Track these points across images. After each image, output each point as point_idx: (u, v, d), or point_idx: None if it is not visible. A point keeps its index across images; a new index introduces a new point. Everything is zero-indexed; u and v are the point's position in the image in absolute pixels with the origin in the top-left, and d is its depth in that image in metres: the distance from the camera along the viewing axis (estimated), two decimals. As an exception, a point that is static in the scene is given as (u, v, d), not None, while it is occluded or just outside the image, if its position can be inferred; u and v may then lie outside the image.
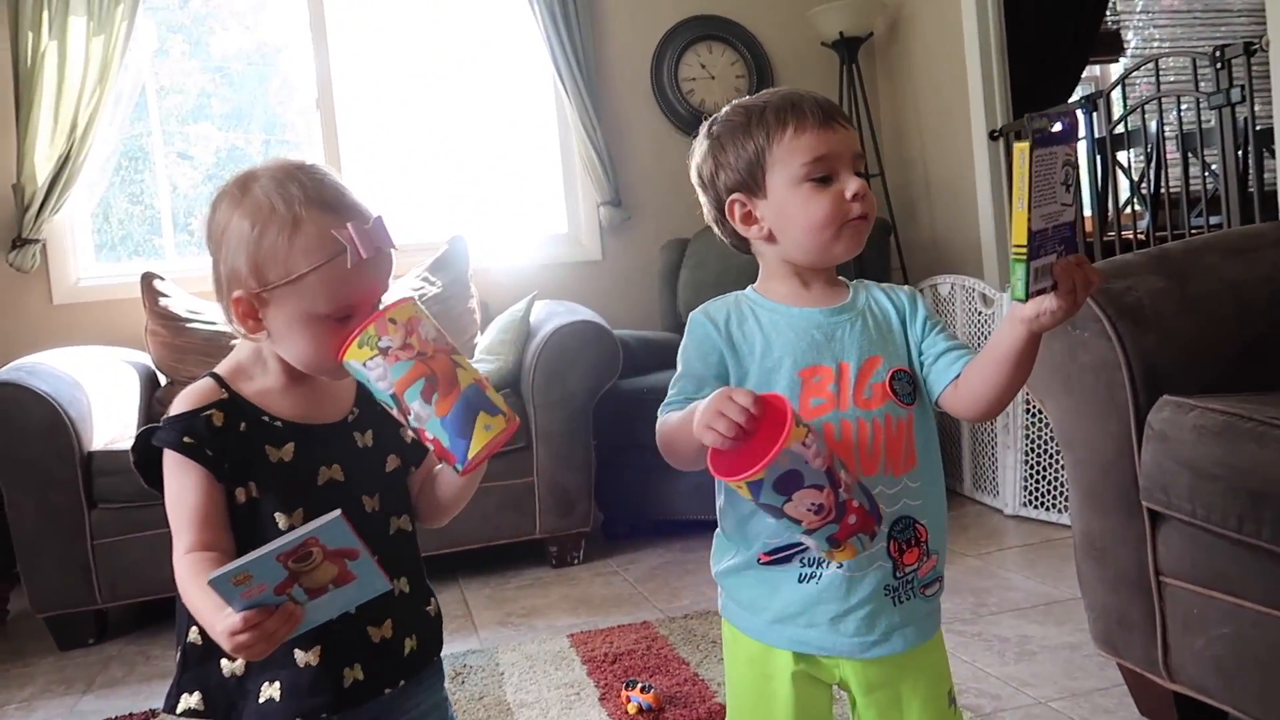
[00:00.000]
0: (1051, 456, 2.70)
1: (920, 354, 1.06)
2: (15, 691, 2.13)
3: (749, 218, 1.06)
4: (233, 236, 0.90)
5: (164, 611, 2.48)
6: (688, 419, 0.94)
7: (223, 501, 0.90)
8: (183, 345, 2.87)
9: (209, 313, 2.94)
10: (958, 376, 1.02)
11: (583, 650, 2.00)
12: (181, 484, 0.89)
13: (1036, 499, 2.74)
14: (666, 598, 2.32)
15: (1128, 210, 3.91)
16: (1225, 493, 1.23)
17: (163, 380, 2.92)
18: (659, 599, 2.33)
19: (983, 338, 2.92)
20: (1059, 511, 2.66)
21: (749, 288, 1.10)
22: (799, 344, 1.03)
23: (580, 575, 2.60)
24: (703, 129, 1.11)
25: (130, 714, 1.89)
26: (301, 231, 0.89)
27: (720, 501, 1.11)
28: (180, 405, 0.92)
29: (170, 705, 0.94)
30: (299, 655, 0.91)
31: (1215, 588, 1.30)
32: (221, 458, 0.89)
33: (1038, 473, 2.74)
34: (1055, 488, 2.69)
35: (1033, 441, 2.75)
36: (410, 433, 0.92)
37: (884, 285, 1.11)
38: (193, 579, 0.85)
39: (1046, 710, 1.58)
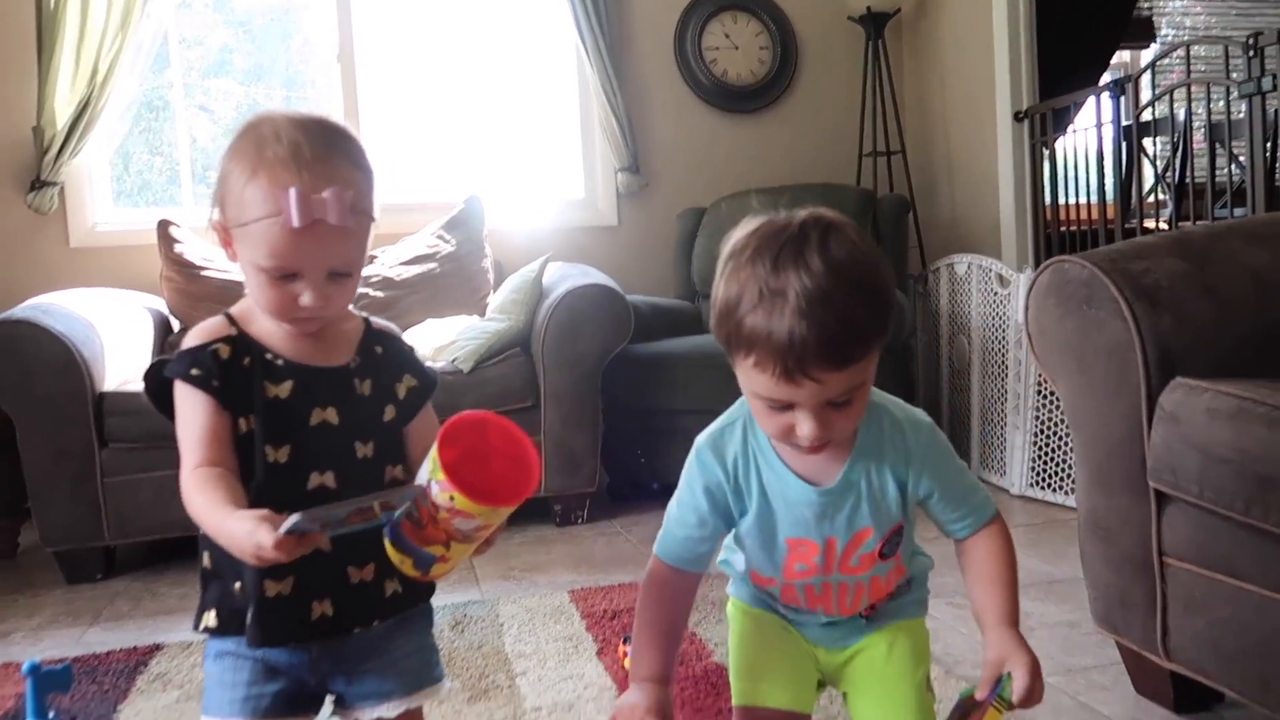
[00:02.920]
0: (1060, 439, 2.69)
1: (925, 499, 1.06)
2: (23, 620, 2.16)
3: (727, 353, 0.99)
4: (222, 163, 0.94)
5: (171, 551, 2.53)
6: (640, 650, 1.03)
7: (228, 426, 0.93)
8: (196, 292, 2.88)
9: (223, 261, 2.95)
10: (960, 541, 1.08)
11: (582, 606, 2.02)
12: (189, 410, 0.93)
13: (1043, 480, 2.74)
14: (668, 561, 2.34)
15: (1151, 199, 3.88)
16: (1234, 476, 1.22)
17: (175, 326, 2.94)
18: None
19: (998, 318, 2.91)
20: (1065, 493, 2.66)
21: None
22: (789, 516, 1.04)
23: (583, 534, 2.62)
24: (731, 243, 0.96)
25: (135, 647, 1.92)
26: (255, 180, 0.90)
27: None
28: (191, 339, 0.96)
29: (195, 624, 1.00)
30: (270, 585, 0.94)
31: (1218, 570, 1.30)
32: (228, 389, 0.93)
33: (1046, 454, 2.74)
34: (1063, 469, 2.69)
35: (1042, 423, 2.74)
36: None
37: (896, 441, 1.03)
38: (197, 490, 0.89)
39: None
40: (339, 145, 0.94)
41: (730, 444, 1.04)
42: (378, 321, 1.07)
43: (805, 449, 0.95)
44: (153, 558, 2.55)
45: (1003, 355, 2.89)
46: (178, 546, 2.45)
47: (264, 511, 0.82)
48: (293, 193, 0.88)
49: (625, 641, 1.74)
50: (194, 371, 0.92)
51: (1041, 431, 2.75)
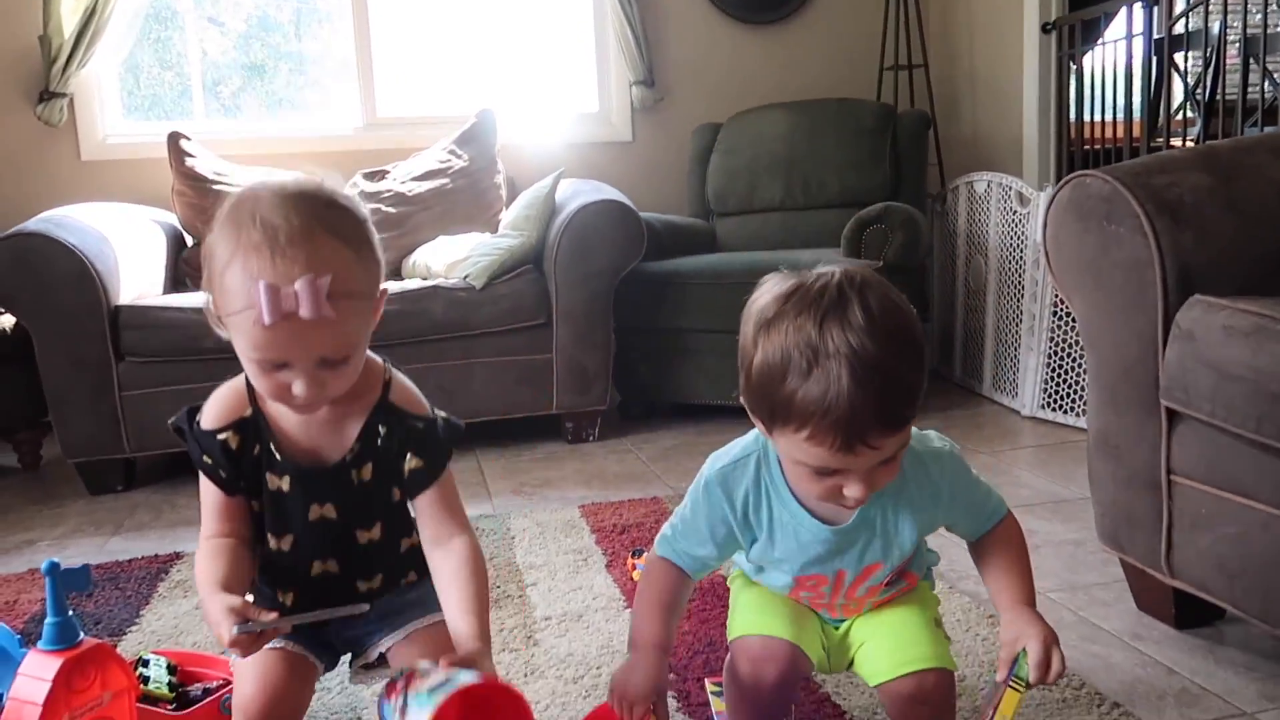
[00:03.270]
0: (1073, 360, 2.68)
1: (944, 522, 1.08)
2: (48, 529, 2.21)
3: (756, 419, 0.97)
4: (206, 242, 0.91)
5: (189, 464, 2.54)
6: (640, 619, 1.05)
7: (240, 503, 1.00)
8: (208, 207, 2.86)
9: (235, 175, 2.93)
10: (975, 540, 1.09)
11: (592, 520, 2.04)
12: (205, 487, 1.00)
13: (1055, 402, 2.74)
14: (678, 477, 2.36)
15: (1179, 117, 3.77)
16: (1247, 394, 1.21)
17: (189, 241, 2.93)
18: (670, 477, 2.37)
19: (1016, 238, 2.87)
20: (1076, 415, 2.66)
21: (773, 449, 1.02)
22: (801, 555, 1.04)
23: (594, 452, 2.64)
24: (759, 306, 0.93)
25: (156, 555, 1.97)
26: (230, 268, 0.87)
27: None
28: (211, 407, 0.99)
29: None
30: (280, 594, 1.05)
31: (1226, 488, 1.30)
32: (234, 478, 0.99)
33: (1058, 375, 2.73)
34: (1075, 391, 2.68)
35: (1056, 344, 2.73)
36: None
37: (918, 479, 1.02)
38: (201, 559, 0.96)
39: (1045, 600, 1.60)
40: (324, 221, 0.89)
41: (742, 480, 1.04)
42: (396, 389, 1.02)
43: (848, 506, 0.96)
44: (172, 471, 2.59)
45: (1019, 276, 2.85)
46: (196, 459, 2.49)
47: (238, 603, 0.88)
48: (262, 287, 0.84)
49: (634, 555, 1.77)
50: (205, 460, 0.98)
51: (1055, 353, 2.73)
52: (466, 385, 2.58)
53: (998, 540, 1.08)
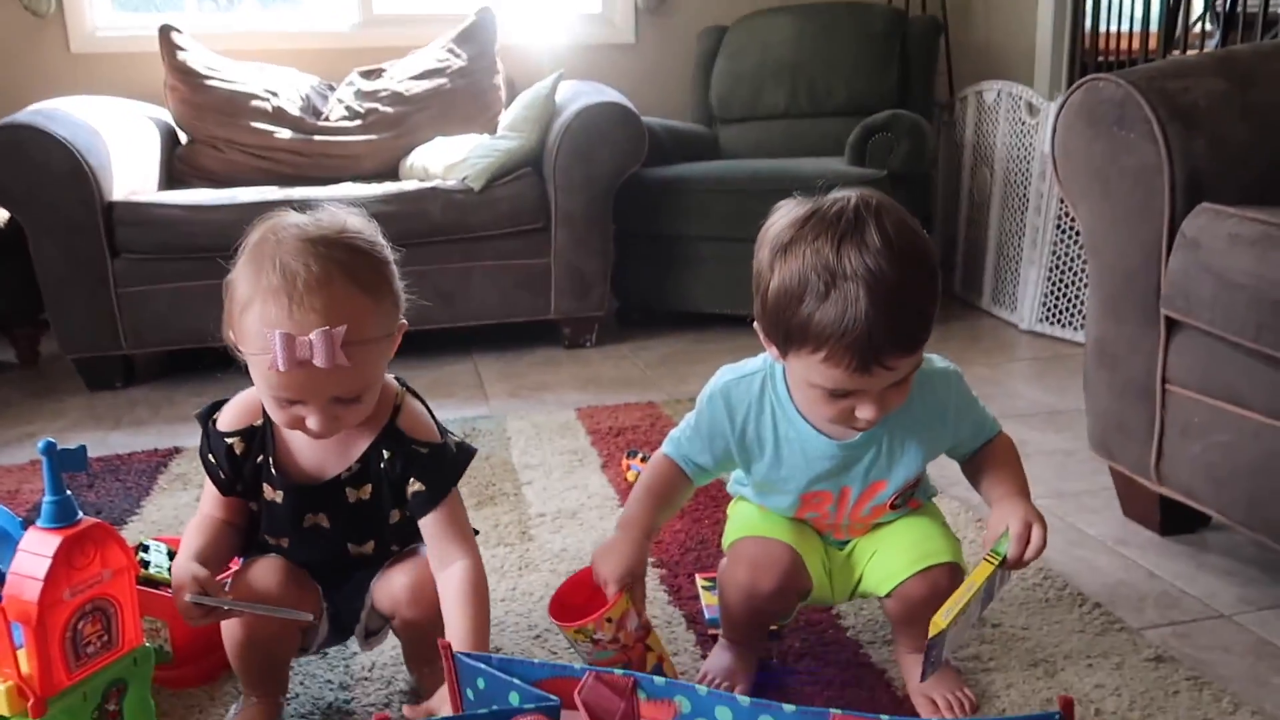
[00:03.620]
0: (1074, 274, 2.66)
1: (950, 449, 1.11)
2: (48, 423, 2.23)
3: (769, 343, 0.99)
4: (230, 276, 0.94)
5: (188, 361, 2.58)
6: (630, 503, 1.08)
7: (235, 502, 1.04)
8: (201, 103, 2.81)
9: (228, 70, 2.86)
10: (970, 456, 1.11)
11: (588, 423, 2.06)
12: (207, 484, 1.05)
13: (1054, 315, 2.73)
14: (674, 382, 2.37)
15: (1196, 29, 3.67)
16: (1249, 302, 1.20)
17: (183, 138, 2.88)
18: (667, 383, 2.38)
19: (1024, 149, 2.82)
20: (1074, 329, 2.66)
21: (780, 370, 1.03)
22: (807, 471, 1.05)
23: (591, 357, 2.65)
24: (774, 228, 0.95)
25: (156, 449, 1.99)
26: (249, 311, 0.90)
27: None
28: (230, 410, 1.03)
29: None
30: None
31: (1220, 397, 1.30)
32: (233, 481, 1.02)
33: (1058, 289, 2.72)
34: (1074, 305, 2.67)
35: (1058, 258, 2.71)
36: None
37: (924, 396, 1.02)
38: (188, 530, 1.03)
39: (1033, 507, 1.63)
40: (344, 268, 0.90)
41: (745, 397, 1.05)
42: (405, 415, 1.03)
43: (860, 427, 0.97)
44: (170, 368, 2.60)
45: (1024, 188, 2.82)
46: (194, 358, 2.50)
47: (203, 574, 0.94)
48: (277, 336, 0.87)
49: (629, 456, 1.79)
50: (210, 458, 1.02)
51: (1056, 267, 2.72)
52: (464, 289, 2.56)
53: (993, 451, 1.10)
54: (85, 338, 2.41)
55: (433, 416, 1.07)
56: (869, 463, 1.05)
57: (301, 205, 0.98)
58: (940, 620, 0.87)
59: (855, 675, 1.14)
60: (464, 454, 1.06)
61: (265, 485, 1.03)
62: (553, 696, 0.57)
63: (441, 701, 0.91)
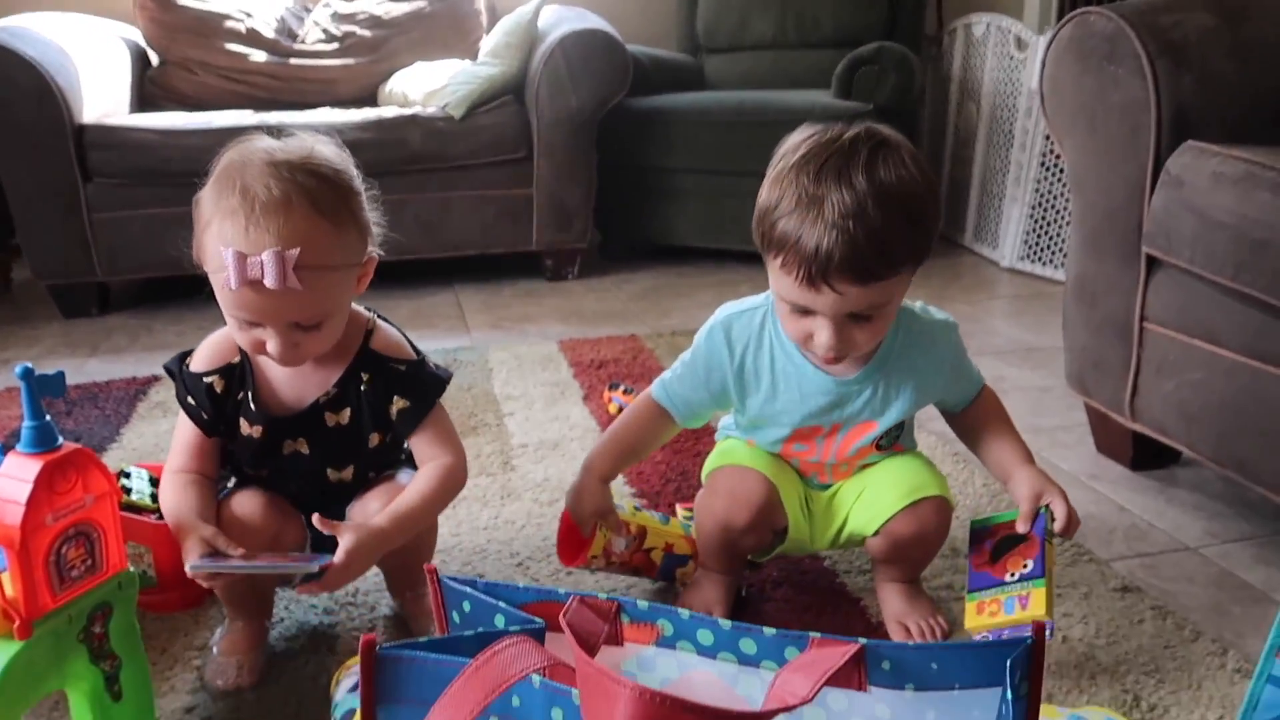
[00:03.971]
0: (1057, 212, 2.66)
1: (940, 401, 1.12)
2: (23, 350, 2.21)
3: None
4: (204, 188, 0.93)
5: (164, 289, 2.55)
6: (599, 447, 1.14)
7: (215, 444, 1.04)
8: (173, 23, 2.73)
9: (200, -13, 2.78)
10: (959, 412, 1.14)
11: (570, 355, 2.06)
12: (183, 425, 1.04)
13: (1035, 253, 2.74)
14: (657, 316, 2.37)
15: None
16: (1229, 241, 1.21)
17: (154, 59, 2.80)
18: (649, 317, 2.37)
19: (1011, 84, 2.80)
20: (1055, 267, 2.67)
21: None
22: (802, 407, 1.06)
23: (574, 289, 2.64)
24: (783, 148, 0.97)
25: (134, 377, 1.97)
26: (208, 232, 0.91)
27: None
28: (202, 351, 1.03)
29: None
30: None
31: (1197, 335, 1.32)
32: (216, 420, 1.02)
33: (1040, 227, 2.72)
34: (1055, 243, 2.68)
35: (1041, 195, 2.70)
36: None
37: (920, 344, 1.05)
38: (170, 491, 1.01)
39: (1008, 442, 1.66)
40: (305, 192, 0.90)
41: (746, 329, 1.07)
42: (378, 338, 1.04)
43: (822, 358, 0.99)
44: (146, 295, 2.57)
45: (1010, 124, 2.80)
46: (171, 286, 2.47)
47: (209, 532, 0.95)
48: (229, 254, 0.87)
49: (611, 388, 1.79)
50: (189, 401, 1.02)
51: (1039, 204, 2.72)
52: (445, 219, 2.54)
53: (986, 411, 1.12)
54: (59, 264, 2.37)
55: (409, 341, 1.07)
56: (863, 403, 1.06)
57: (276, 131, 0.97)
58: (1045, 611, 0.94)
59: (831, 603, 1.17)
60: (443, 371, 1.07)
61: (243, 421, 1.03)
62: (538, 619, 0.58)
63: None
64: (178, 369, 1.03)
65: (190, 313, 2.39)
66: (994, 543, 1.06)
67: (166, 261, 2.30)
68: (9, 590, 0.83)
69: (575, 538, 1.12)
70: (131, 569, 0.93)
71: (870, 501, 1.09)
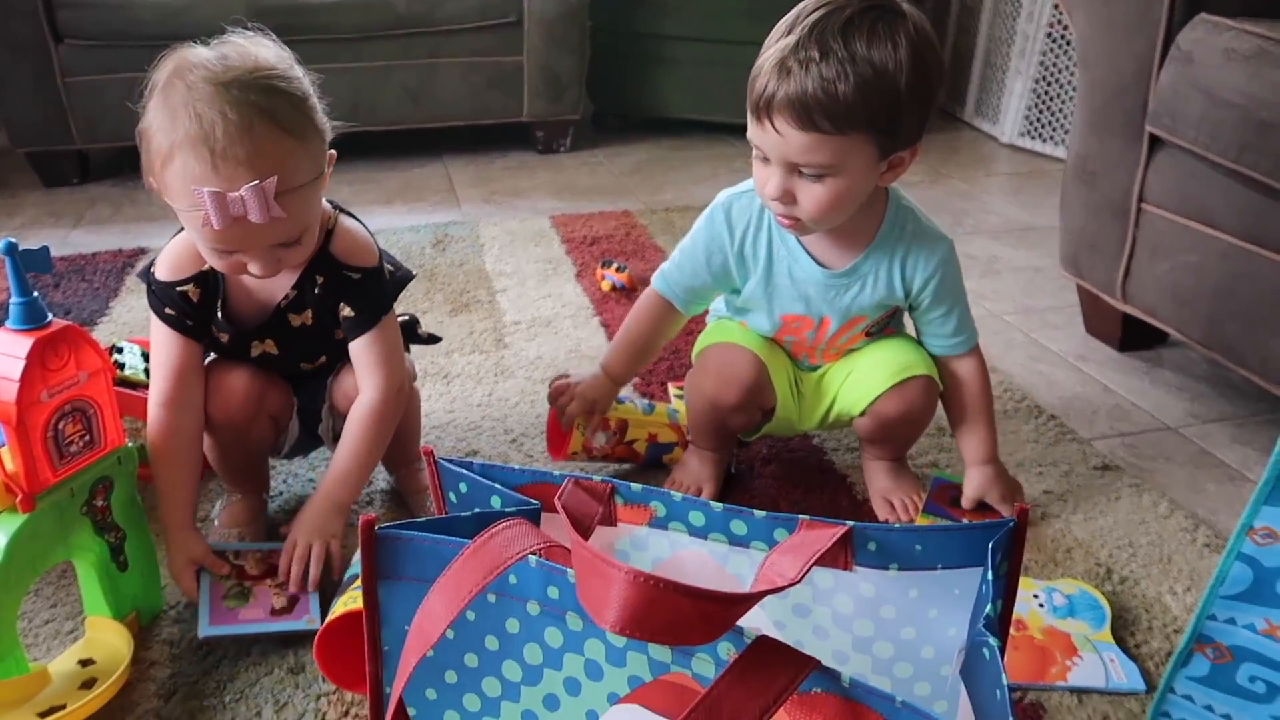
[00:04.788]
0: (1061, 87, 2.60)
1: (914, 306, 1.09)
2: (5, 220, 2.17)
3: None
4: (143, 119, 0.88)
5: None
6: (612, 346, 1.16)
7: (197, 355, 1.01)
8: None
9: None
10: (942, 362, 1.11)
11: (563, 231, 2.04)
12: (164, 343, 1.00)
13: (1036, 130, 2.69)
14: (649, 191, 2.34)
15: None
16: (1236, 121, 1.19)
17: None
18: (642, 191, 2.34)
19: (1020, -51, 2.67)
20: (1055, 144, 2.62)
21: None
22: (790, 293, 1.07)
23: (565, 163, 2.59)
24: (795, 10, 0.95)
25: (120, 249, 1.95)
26: (170, 168, 0.86)
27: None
28: (168, 259, 0.99)
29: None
30: None
31: (1194, 218, 1.31)
32: (198, 326, 1.00)
33: (1043, 103, 2.66)
34: (1058, 120, 2.63)
35: (1046, 69, 2.63)
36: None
37: (915, 247, 1.04)
38: (161, 458, 0.99)
39: (999, 322, 1.67)
40: (263, 112, 0.85)
41: (746, 211, 1.06)
42: (337, 239, 1.00)
43: (776, 215, 0.99)
44: (127, 164, 2.51)
45: (1019, -8, 2.70)
46: (152, 154, 2.40)
47: (198, 552, 0.97)
48: (207, 195, 0.83)
49: (603, 265, 1.78)
50: (169, 311, 0.98)
51: (1043, 79, 2.64)
52: (431, 87, 2.46)
53: (971, 377, 1.11)
54: (34, 130, 2.30)
55: (373, 239, 1.04)
56: (851, 298, 1.06)
57: (203, 38, 0.91)
58: None
59: (818, 480, 1.20)
60: (397, 281, 1.05)
61: (214, 329, 1.02)
62: (533, 500, 0.59)
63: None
64: (149, 275, 1.00)
65: (174, 183, 2.34)
66: (954, 495, 1.13)
67: (146, 130, 2.26)
68: (9, 466, 0.84)
69: (557, 433, 1.15)
70: (130, 444, 0.94)
71: (858, 381, 1.10)
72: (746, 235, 1.06)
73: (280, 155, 0.86)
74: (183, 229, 0.97)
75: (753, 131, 0.95)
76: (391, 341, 1.03)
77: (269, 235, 0.89)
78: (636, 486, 0.61)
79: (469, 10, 2.40)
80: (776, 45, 0.91)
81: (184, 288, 0.98)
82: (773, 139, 0.92)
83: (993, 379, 1.43)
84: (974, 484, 1.10)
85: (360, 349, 1.02)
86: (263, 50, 0.90)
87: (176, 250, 0.99)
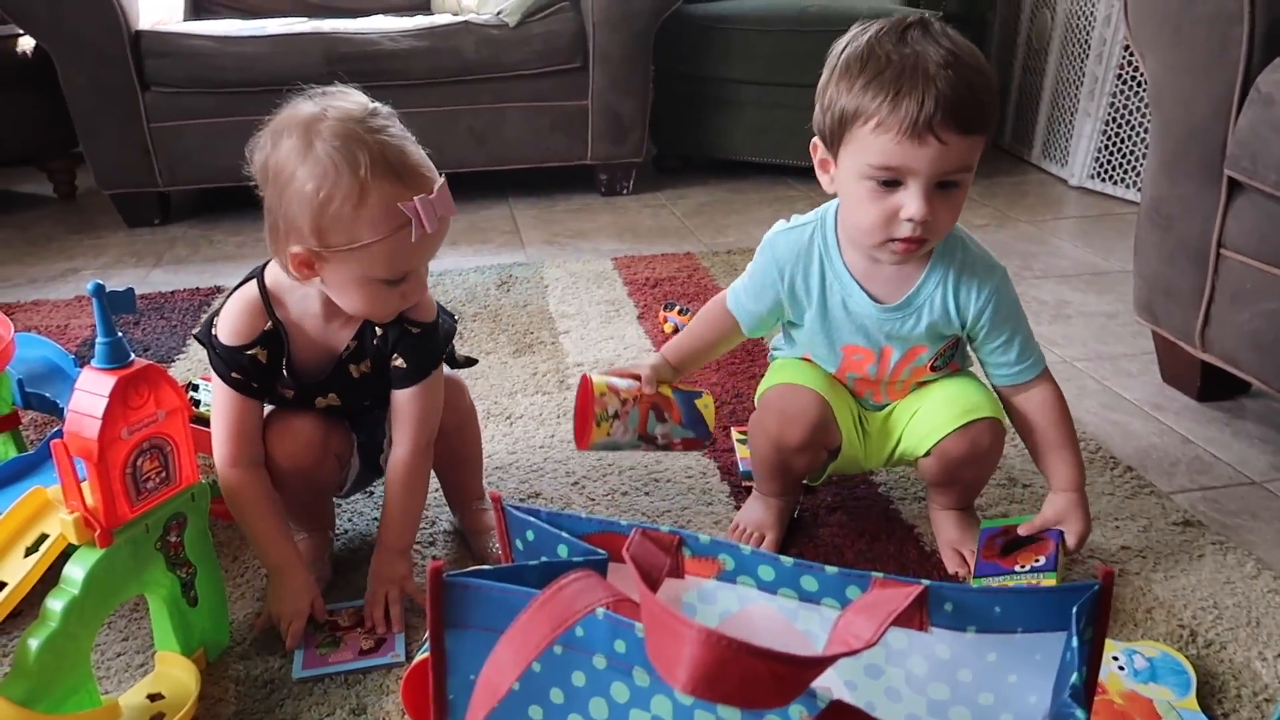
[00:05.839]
0: (1132, 128, 2.55)
1: (975, 337, 1.07)
2: (91, 259, 2.26)
3: (824, 165, 0.99)
4: (294, 194, 0.88)
5: (223, 199, 2.57)
6: (679, 338, 1.17)
7: (260, 412, 1.03)
8: (225, -75, 2.69)
9: (250, -111, 2.73)
10: (1010, 392, 1.08)
11: (625, 273, 2.05)
12: (228, 404, 1.00)
13: (1106, 172, 2.64)
14: (711, 233, 2.34)
15: None
16: (1320, 166, 1.15)
17: (206, -37, 2.78)
18: (704, 233, 2.34)
19: (1089, -9, 2.65)
20: (1126, 186, 2.57)
21: (832, 215, 1.05)
22: (848, 325, 1.06)
23: (628, 205, 2.61)
24: (843, 40, 0.97)
25: (197, 288, 2.01)
26: (367, 202, 0.87)
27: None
28: (232, 323, 0.99)
29: None
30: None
31: (1276, 263, 1.27)
32: (263, 387, 1.01)
33: (1113, 144, 2.61)
34: (1128, 161, 2.58)
35: (1116, 110, 2.59)
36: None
37: (967, 276, 1.02)
38: (248, 506, 1.01)
39: (1070, 369, 1.63)
40: (394, 135, 0.90)
41: (794, 246, 1.06)
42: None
43: (906, 239, 0.95)
44: (206, 205, 2.60)
45: (1087, 34, 2.66)
46: (229, 195, 2.49)
47: (314, 605, 1.01)
48: (419, 203, 0.87)
49: (666, 308, 1.78)
50: (235, 375, 0.99)
51: (1113, 120, 2.60)
52: (498, 130, 2.51)
53: (1048, 404, 1.07)
54: (120, 173, 2.40)
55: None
56: (909, 329, 1.05)
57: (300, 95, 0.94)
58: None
59: (885, 529, 1.17)
60: (446, 334, 1.06)
61: (279, 386, 1.03)
62: (600, 550, 0.59)
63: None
64: (209, 340, 1.00)
65: (249, 224, 2.42)
66: (1004, 541, 1.07)
67: (224, 171, 2.34)
68: (89, 500, 0.87)
69: (585, 421, 1.09)
70: (203, 480, 0.96)
71: (924, 419, 1.08)
72: (797, 272, 1.06)
73: (428, 162, 0.93)
74: (235, 290, 1.00)
75: (894, 152, 0.90)
76: (434, 398, 1.05)
77: (436, 241, 0.93)
78: (705, 538, 0.60)
79: (535, 56, 2.45)
80: (886, 60, 0.89)
81: (252, 350, 0.99)
82: (932, 152, 0.89)
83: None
84: (1054, 508, 1.05)
85: (403, 400, 1.03)
86: (355, 94, 0.94)
87: (237, 313, 0.99)
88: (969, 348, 1.11)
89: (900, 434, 1.11)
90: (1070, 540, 1.04)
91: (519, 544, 0.62)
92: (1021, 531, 1.06)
